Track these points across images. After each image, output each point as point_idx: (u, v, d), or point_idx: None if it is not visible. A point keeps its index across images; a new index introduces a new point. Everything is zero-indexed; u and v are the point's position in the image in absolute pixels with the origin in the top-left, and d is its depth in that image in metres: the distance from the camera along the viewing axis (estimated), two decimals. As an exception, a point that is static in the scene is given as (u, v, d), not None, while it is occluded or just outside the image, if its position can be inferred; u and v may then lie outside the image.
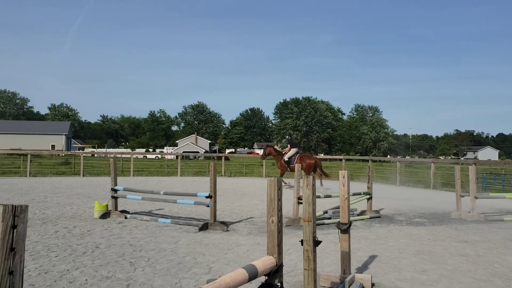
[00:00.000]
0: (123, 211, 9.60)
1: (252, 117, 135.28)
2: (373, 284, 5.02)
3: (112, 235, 7.62)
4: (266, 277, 3.35)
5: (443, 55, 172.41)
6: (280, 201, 3.42)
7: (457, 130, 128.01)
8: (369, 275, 5.03)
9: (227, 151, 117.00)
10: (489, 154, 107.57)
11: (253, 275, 3.08)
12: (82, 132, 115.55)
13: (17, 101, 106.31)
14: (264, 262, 3.25)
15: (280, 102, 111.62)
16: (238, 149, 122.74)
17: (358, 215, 10.42)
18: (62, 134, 76.07)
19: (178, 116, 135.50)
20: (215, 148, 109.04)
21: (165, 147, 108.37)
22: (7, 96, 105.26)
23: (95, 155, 59.76)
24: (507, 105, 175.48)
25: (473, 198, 10.38)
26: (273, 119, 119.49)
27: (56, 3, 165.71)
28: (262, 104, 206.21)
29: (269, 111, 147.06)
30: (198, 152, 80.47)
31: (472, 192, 10.40)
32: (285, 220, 9.54)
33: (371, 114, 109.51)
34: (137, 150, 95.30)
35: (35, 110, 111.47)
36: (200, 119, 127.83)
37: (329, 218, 9.63)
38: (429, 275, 5.51)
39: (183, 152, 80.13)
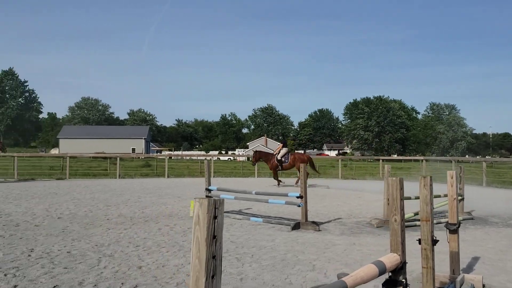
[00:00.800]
0: (216, 211, 10.04)
1: (321, 118, 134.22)
2: (483, 285, 4.95)
3: (211, 233, 8.03)
4: (390, 274, 3.46)
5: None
6: (402, 200, 3.52)
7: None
8: (480, 275, 4.97)
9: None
10: None
11: (382, 271, 3.21)
12: (159, 136, 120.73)
13: (99, 107, 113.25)
14: (390, 259, 3.37)
15: (350, 102, 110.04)
16: (307, 151, 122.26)
17: (450, 217, 10.15)
18: (142, 138, 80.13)
19: (248, 119, 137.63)
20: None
21: (236, 149, 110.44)
22: (90, 103, 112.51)
23: (172, 158, 62.30)
24: None
25: None
26: (343, 120, 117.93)
27: (131, 12, 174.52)
28: (331, 105, 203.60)
29: (338, 112, 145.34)
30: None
31: None
32: (375, 221, 9.53)
33: (447, 113, 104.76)
34: (211, 152, 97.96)
35: (115, 116, 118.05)
36: (269, 121, 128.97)
37: (419, 220, 9.46)
38: (542, 278, 5.32)
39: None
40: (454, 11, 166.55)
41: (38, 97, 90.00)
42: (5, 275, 5.16)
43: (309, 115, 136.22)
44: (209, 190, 10.07)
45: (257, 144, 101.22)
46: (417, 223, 9.23)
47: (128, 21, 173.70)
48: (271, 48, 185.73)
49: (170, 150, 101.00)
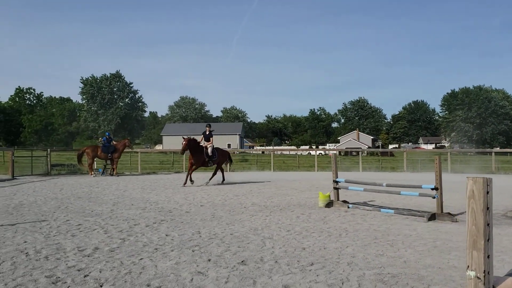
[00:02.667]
0: (344, 201, 10.48)
1: (416, 110, 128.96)
2: None
3: (349, 221, 8.48)
4: None
5: None
6: None
7: None
8: None
9: (390, 146, 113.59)
10: None
11: None
12: (250, 132, 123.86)
13: (196, 106, 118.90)
14: None
15: (447, 93, 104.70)
16: (402, 145, 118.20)
17: None
18: (236, 134, 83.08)
19: (337, 113, 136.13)
20: (378, 144, 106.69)
21: (326, 144, 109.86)
22: (188, 102, 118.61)
23: (264, 152, 63.78)
24: None
25: None
26: (440, 112, 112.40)
27: (220, 14, 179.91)
28: (427, 96, 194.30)
29: (435, 103, 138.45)
30: (360, 148, 79.96)
31: None
32: (511, 213, 9.36)
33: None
34: (301, 147, 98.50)
35: (210, 113, 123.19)
36: (361, 115, 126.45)
37: None
38: None
39: (346, 148, 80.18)
40: None
41: (142, 97, 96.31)
42: (193, 251, 6.00)
43: (403, 108, 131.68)
44: (337, 182, 10.50)
45: (349, 139, 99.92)
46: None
47: (217, 22, 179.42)
48: (362, 40, 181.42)
49: (261, 145, 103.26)
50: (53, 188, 15.02)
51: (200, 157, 16.01)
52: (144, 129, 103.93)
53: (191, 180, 16.00)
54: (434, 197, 8.82)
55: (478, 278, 2.28)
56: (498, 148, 67.58)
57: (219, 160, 17.02)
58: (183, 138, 15.94)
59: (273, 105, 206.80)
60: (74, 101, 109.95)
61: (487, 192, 2.29)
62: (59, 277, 4.72)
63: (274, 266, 5.24)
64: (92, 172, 21.78)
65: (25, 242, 6.50)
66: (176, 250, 6.02)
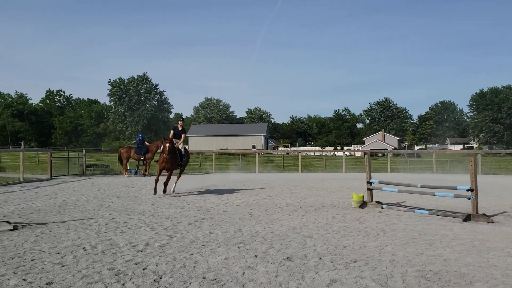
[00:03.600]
0: (378, 202, 10.64)
1: (443, 110, 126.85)
2: None
3: (385, 222, 8.67)
4: None
5: None
6: None
7: None
8: None
9: (417, 147, 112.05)
10: None
11: None
12: (274, 133, 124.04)
13: (221, 107, 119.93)
14: None
15: (476, 93, 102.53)
16: (429, 146, 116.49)
17: None
18: (261, 135, 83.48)
19: (362, 114, 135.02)
20: (404, 145, 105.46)
21: (352, 145, 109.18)
22: (213, 103, 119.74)
23: (289, 153, 63.96)
24: None
25: None
26: (468, 112, 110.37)
27: (243, 16, 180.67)
28: (454, 96, 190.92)
29: (462, 104, 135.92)
30: (386, 149, 79.22)
31: None
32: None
33: None
34: (326, 148, 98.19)
35: (234, 115, 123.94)
36: (386, 115, 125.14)
37: None
38: None
39: (371, 149, 79.58)
40: None
41: (168, 99, 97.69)
42: (238, 247, 6.31)
43: (429, 108, 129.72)
44: (370, 183, 10.67)
45: (374, 139, 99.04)
46: None
47: (241, 23, 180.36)
48: (387, 39, 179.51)
49: (285, 146, 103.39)
50: (91, 188, 15.61)
51: (177, 160, 13.50)
52: (169, 130, 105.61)
53: (165, 190, 13.24)
54: (469, 198, 8.92)
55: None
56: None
57: (187, 161, 14.78)
58: (164, 139, 13.50)
59: (297, 106, 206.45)
60: (101, 103, 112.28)
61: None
62: (120, 270, 5.09)
63: (319, 263, 5.50)
64: (126, 173, 22.40)
65: (79, 238, 6.93)
66: (222, 247, 6.34)
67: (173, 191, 13.74)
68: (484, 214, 8.94)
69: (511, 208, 10.65)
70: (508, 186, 16.64)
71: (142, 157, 22.49)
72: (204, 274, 4.95)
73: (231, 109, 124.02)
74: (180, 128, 14.04)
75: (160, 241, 6.70)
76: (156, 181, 13.32)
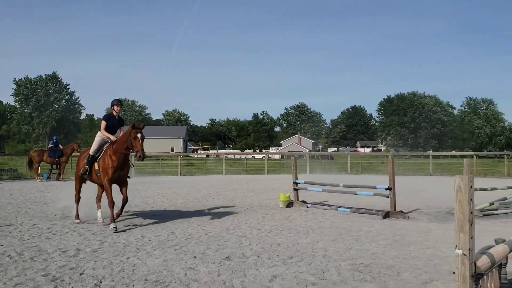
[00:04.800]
0: (303, 202, 11.06)
1: (354, 115, 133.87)
2: None
3: (312, 220, 9.05)
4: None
5: None
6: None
7: None
8: None
9: (329, 150, 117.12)
10: None
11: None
12: (193, 135, 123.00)
13: (136, 108, 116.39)
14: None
15: (383, 99, 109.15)
16: (341, 148, 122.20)
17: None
18: (180, 138, 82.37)
19: (280, 117, 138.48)
20: (318, 148, 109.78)
21: (270, 148, 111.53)
22: (127, 104, 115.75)
23: (210, 156, 64.01)
24: None
25: None
26: (377, 117, 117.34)
27: (162, 15, 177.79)
28: (364, 101, 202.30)
29: (371, 109, 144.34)
30: (302, 151, 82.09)
31: None
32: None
33: (484, 107, 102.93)
34: (246, 151, 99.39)
35: (152, 117, 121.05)
36: (301, 119, 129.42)
37: (496, 209, 10.23)
38: None
39: (288, 152, 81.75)
40: (488, 2, 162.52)
41: (80, 99, 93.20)
42: (175, 250, 6.28)
43: (341, 112, 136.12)
44: (296, 184, 11.07)
45: (291, 142, 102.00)
46: (495, 212, 10.05)
47: (160, 23, 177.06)
48: (302, 47, 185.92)
49: (205, 149, 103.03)
50: (2, 193, 14.51)
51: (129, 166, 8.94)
52: (80, 132, 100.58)
53: (117, 215, 8.58)
54: (388, 197, 9.59)
55: (464, 255, 2.82)
56: (431, 152, 71.91)
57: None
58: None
59: (216, 109, 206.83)
60: (5, 103, 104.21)
61: (471, 187, 2.83)
62: (55, 276, 4.86)
63: (258, 260, 5.65)
64: (38, 177, 21.08)
65: (1, 245, 6.47)
66: (158, 250, 6.26)
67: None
68: (401, 211, 9.67)
69: (423, 205, 11.58)
70: (417, 185, 18.02)
71: (57, 161, 21.30)
72: (146, 276, 4.88)
73: (147, 111, 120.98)
74: (117, 118, 9.32)
75: (91, 246, 6.46)
76: (112, 204, 8.24)
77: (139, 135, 8.17)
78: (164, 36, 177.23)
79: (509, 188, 11.06)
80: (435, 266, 5.45)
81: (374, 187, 9.96)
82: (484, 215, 9.90)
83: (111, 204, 8.21)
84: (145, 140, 8.38)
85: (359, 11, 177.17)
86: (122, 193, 8.52)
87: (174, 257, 5.82)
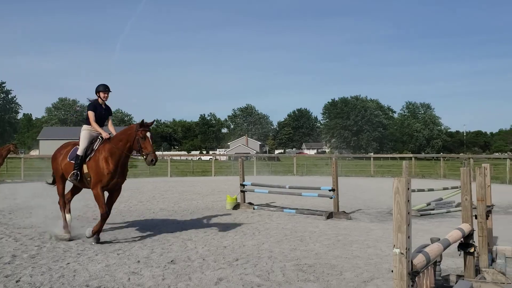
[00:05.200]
0: (250, 203, 11.11)
1: (300, 117, 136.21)
2: (512, 255, 6.18)
3: (258, 221, 9.12)
4: (462, 240, 4.63)
5: (495, 46, 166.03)
6: (470, 185, 4.70)
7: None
8: (510, 246, 6.20)
9: (276, 151, 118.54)
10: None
11: (463, 234, 4.39)
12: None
13: (77, 108, 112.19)
14: (465, 227, 4.55)
15: (328, 102, 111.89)
16: (287, 150, 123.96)
17: (456, 206, 11.47)
18: (124, 138, 80.00)
19: (227, 119, 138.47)
20: (265, 149, 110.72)
21: (217, 149, 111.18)
22: (68, 104, 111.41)
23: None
24: None
25: None
26: (322, 119, 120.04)
27: (107, 9, 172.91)
28: (310, 104, 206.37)
29: (317, 112, 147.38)
30: (249, 153, 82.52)
31: None
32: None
33: (423, 111, 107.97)
34: (192, 152, 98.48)
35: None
36: (249, 121, 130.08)
37: (433, 209, 10.77)
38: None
39: (235, 153, 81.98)
40: (428, 9, 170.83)
41: (16, 98, 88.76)
42: (118, 254, 6.12)
43: (288, 115, 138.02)
44: (243, 185, 11.11)
45: (238, 144, 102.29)
46: (431, 212, 10.56)
47: (103, 21, 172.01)
48: (250, 48, 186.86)
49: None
50: None
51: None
52: (17, 132, 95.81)
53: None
54: (331, 198, 9.83)
55: (402, 253, 2.95)
56: (372, 154, 74.45)
57: None
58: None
59: (161, 109, 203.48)
60: None
61: (408, 189, 2.96)
62: (-13, 285, 4.60)
63: (203, 263, 5.62)
64: (-30, 180, 19.84)
65: None
66: (100, 254, 6.08)
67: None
68: (344, 212, 9.94)
69: (365, 206, 11.97)
70: (359, 186, 18.62)
71: (-9, 162, 20.12)
72: (87, 282, 4.72)
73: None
74: (104, 106, 7.82)
75: (29, 252, 6.17)
76: (103, 217, 6.98)
77: (148, 135, 6.93)
78: (107, 35, 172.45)
79: (444, 189, 11.69)
80: (376, 264, 5.65)
81: (319, 188, 10.18)
82: (421, 215, 10.39)
83: (105, 216, 6.90)
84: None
85: (306, 13, 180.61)
86: (108, 202, 7.18)
87: (117, 261, 5.67)
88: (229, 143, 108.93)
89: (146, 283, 4.73)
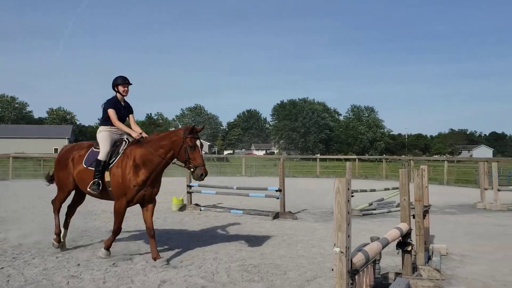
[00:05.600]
0: (196, 205, 11.02)
1: (249, 118, 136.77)
2: (447, 252, 6.51)
3: (205, 223, 9.06)
4: (400, 238, 4.81)
5: (435, 53, 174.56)
6: (408, 185, 4.89)
7: (451, 129, 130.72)
8: (444, 245, 6.53)
9: (225, 152, 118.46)
10: (483, 152, 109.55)
11: (401, 233, 4.56)
12: (80, 135, 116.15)
13: (16, 105, 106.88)
14: (404, 226, 4.73)
15: (277, 104, 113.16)
16: (236, 151, 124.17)
17: (396, 206, 11.93)
18: (65, 138, 76.92)
19: (175, 119, 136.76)
20: (214, 150, 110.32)
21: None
22: (6, 101, 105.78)
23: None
24: (499, 104, 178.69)
25: (496, 190, 11.94)
26: (271, 121, 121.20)
27: (51, 8, 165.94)
28: (259, 105, 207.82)
29: (266, 113, 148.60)
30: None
31: (495, 185, 11.97)
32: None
33: (367, 115, 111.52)
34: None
35: (34, 115, 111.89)
36: (198, 121, 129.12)
37: (374, 209, 11.14)
38: (485, 248, 7.01)
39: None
40: (373, 16, 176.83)
41: None
42: (57, 257, 5.87)
43: (237, 116, 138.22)
44: (190, 187, 11.00)
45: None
46: (373, 212, 10.92)
47: (45, 16, 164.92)
48: (198, 48, 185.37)
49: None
50: None
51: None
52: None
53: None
54: (278, 198, 9.94)
55: (342, 252, 3.03)
56: (319, 155, 76.17)
57: None
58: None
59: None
60: None
61: (348, 189, 3.04)
62: None
63: (146, 266, 5.51)
64: None
65: None
66: (38, 258, 5.82)
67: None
68: (290, 212, 10.08)
69: (310, 206, 12.19)
70: (305, 187, 18.94)
71: None
72: (22, 287, 4.50)
73: (29, 108, 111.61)
74: (123, 103, 6.72)
75: (-42, 257, 5.80)
76: (116, 233, 6.12)
77: (198, 143, 5.94)
78: (50, 31, 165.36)
79: (386, 189, 12.11)
80: (319, 263, 5.76)
81: (266, 189, 10.26)
82: (364, 214, 10.71)
83: (118, 232, 6.07)
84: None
85: (259, 15, 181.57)
86: (145, 217, 6.17)
87: (56, 265, 5.45)
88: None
89: (87, 287, 4.58)
